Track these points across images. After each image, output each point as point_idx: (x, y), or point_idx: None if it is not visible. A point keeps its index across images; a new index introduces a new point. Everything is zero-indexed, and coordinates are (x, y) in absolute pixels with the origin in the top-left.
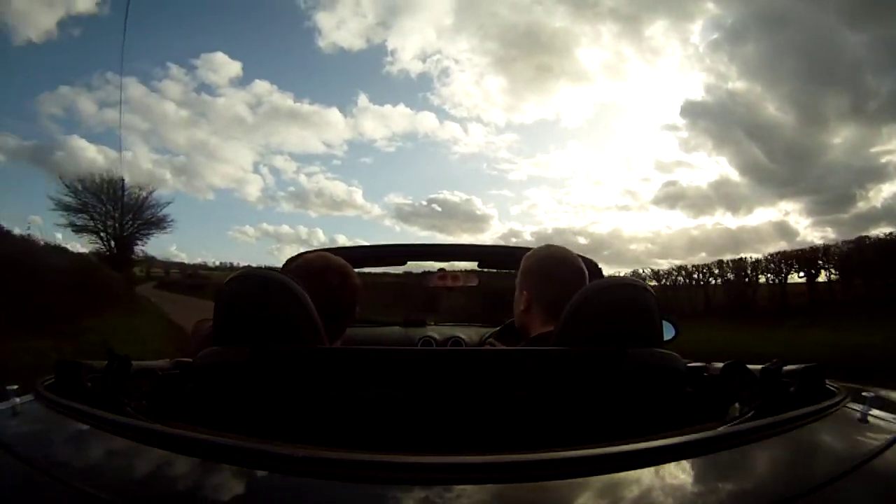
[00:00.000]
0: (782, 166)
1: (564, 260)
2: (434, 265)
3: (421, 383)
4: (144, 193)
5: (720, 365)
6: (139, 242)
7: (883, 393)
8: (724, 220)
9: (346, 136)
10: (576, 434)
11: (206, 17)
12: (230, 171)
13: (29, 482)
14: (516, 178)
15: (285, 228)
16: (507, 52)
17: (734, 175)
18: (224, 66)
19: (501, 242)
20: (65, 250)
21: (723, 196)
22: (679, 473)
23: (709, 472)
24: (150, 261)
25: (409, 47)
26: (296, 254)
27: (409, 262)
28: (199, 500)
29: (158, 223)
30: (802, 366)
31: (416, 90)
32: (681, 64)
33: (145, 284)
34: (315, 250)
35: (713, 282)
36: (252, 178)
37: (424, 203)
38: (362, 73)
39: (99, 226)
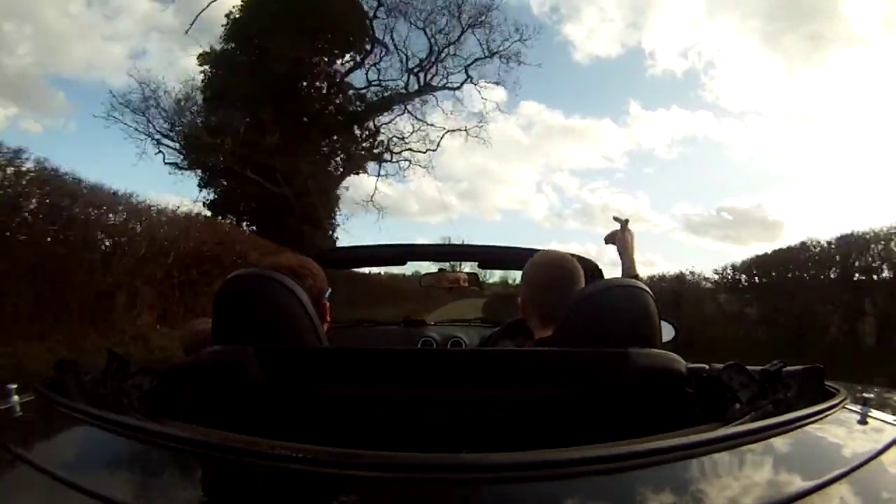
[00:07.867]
0: None
1: (555, 265)
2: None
3: (421, 384)
4: None
5: (720, 366)
6: None
7: (883, 393)
8: None
9: (624, 147)
10: (576, 435)
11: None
12: (514, 193)
13: (28, 481)
14: (804, 173)
15: (574, 246)
16: (773, 26)
17: None
18: (486, 91)
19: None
20: None
21: None
22: (679, 474)
23: (709, 473)
24: None
25: (666, 44)
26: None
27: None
28: (198, 499)
29: None
30: (802, 367)
31: (685, 89)
32: None
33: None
34: (314, 249)
35: None
36: (536, 198)
37: (714, 212)
38: (627, 80)
39: None
